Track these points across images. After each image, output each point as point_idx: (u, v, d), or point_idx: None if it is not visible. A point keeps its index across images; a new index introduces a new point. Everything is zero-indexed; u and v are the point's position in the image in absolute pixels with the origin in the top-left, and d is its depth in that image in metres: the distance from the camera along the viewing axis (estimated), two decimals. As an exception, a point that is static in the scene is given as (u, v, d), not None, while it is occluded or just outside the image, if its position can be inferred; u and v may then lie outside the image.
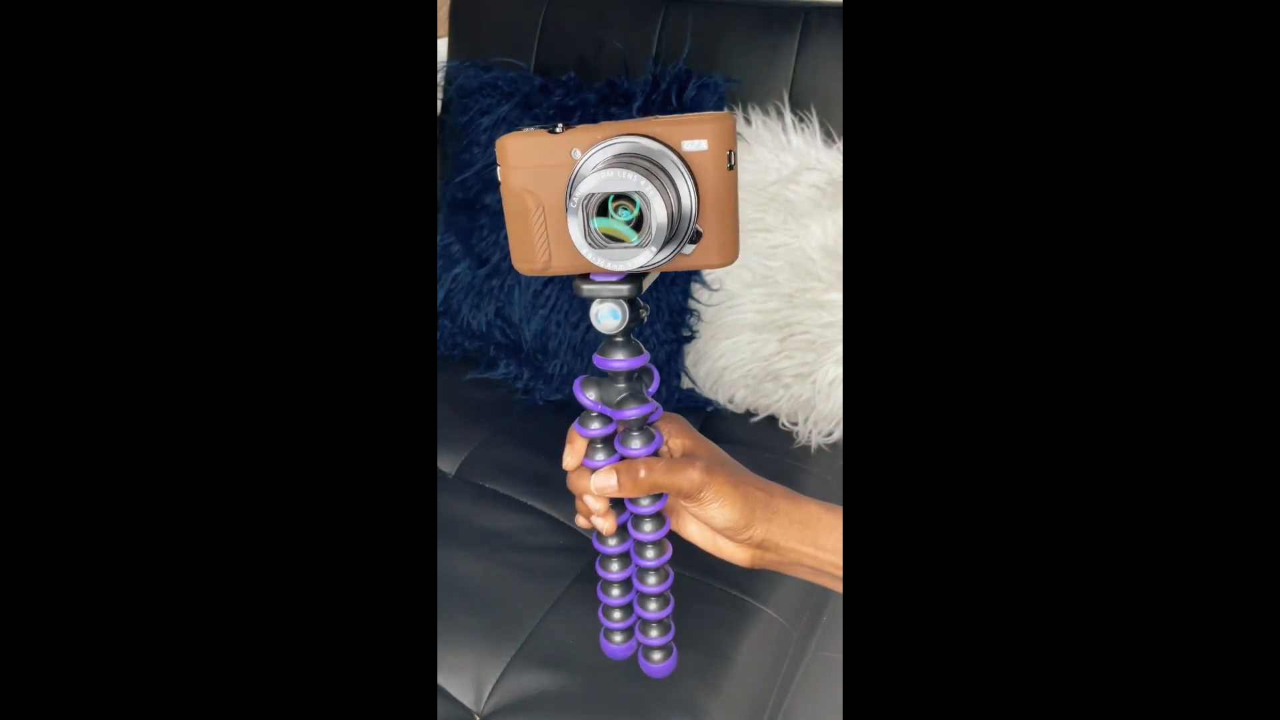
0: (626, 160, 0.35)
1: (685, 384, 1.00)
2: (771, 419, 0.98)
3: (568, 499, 1.01)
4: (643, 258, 0.36)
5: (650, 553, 0.46)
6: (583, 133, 0.37)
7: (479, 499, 0.89)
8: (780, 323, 0.94)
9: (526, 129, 0.38)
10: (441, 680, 0.72)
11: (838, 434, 0.95)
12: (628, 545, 0.48)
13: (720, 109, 0.96)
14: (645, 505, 0.45)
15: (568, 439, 0.46)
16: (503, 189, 0.39)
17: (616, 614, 0.49)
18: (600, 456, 0.46)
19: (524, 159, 0.38)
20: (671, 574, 0.48)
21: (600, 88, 1.01)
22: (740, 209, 0.39)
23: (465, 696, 0.71)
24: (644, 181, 0.35)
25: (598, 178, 0.35)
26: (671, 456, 0.45)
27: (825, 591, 0.84)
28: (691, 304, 0.97)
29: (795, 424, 0.97)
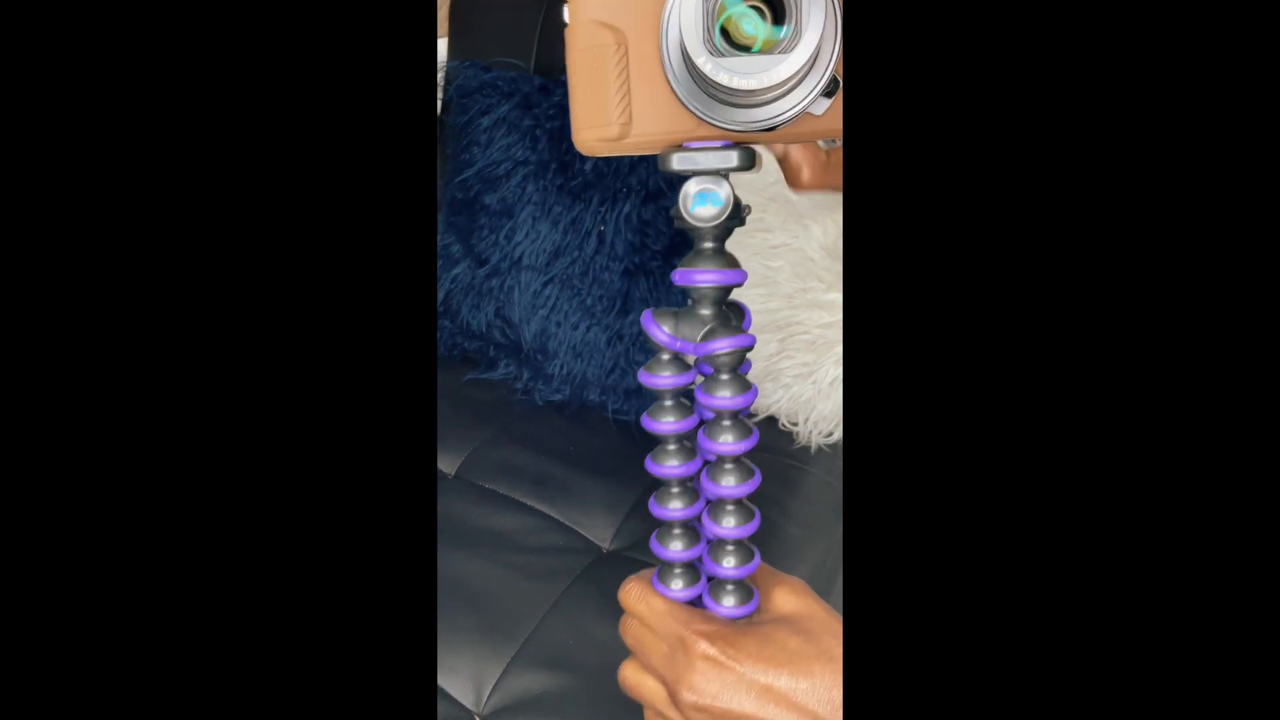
0: None
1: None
2: (771, 419, 0.98)
3: (567, 499, 1.01)
4: (782, 75, 0.26)
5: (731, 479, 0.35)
6: None
7: (479, 499, 0.89)
8: (780, 323, 0.94)
9: None
10: (441, 680, 0.72)
11: (838, 434, 0.95)
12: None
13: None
14: (729, 443, 0.33)
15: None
16: (569, 30, 0.30)
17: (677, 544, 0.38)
18: (669, 419, 0.35)
19: None
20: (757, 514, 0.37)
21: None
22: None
23: (465, 697, 0.71)
24: None
25: None
26: None
27: (824, 589, 0.84)
28: (691, 304, 0.97)
29: (795, 424, 0.97)
